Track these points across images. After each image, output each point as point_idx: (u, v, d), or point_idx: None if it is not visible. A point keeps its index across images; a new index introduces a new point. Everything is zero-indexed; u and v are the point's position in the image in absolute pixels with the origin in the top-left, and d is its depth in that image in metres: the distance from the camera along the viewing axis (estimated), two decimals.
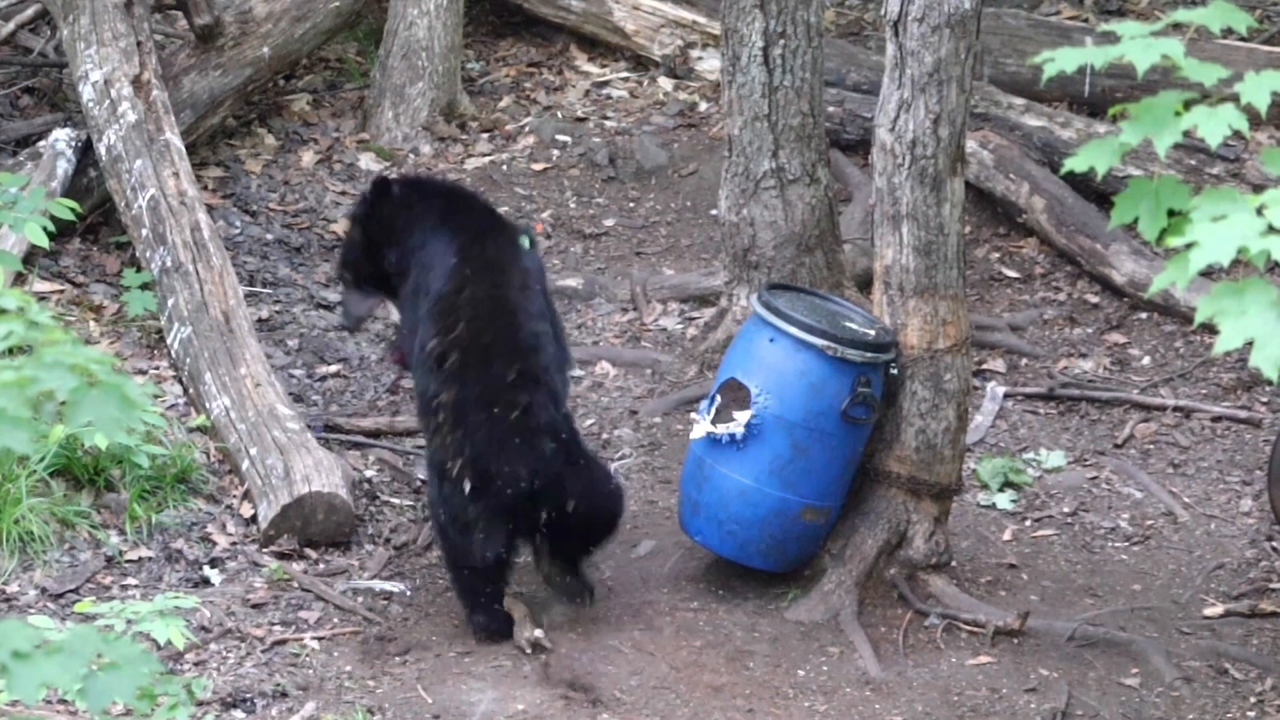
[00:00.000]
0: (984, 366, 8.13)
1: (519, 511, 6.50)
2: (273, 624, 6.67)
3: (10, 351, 3.34)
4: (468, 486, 6.47)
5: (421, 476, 7.46)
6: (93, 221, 8.62)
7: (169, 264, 7.91)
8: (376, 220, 6.90)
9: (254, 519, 7.10)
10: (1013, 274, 8.76)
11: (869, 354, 6.59)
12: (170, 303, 7.84)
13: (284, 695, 6.31)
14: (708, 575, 6.84)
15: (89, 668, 3.33)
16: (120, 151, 8.28)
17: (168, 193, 8.10)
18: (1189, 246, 3.45)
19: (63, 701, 6.05)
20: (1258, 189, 7.14)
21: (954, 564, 6.89)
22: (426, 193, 7.00)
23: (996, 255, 8.86)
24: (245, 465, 7.20)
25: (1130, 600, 6.87)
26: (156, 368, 7.85)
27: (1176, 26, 3.69)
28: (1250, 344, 3.37)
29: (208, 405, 7.46)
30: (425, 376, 6.59)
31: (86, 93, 8.52)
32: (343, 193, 9.26)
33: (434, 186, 7.28)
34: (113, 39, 8.62)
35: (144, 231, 8.07)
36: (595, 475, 6.66)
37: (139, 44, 8.67)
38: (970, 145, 8.68)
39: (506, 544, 6.55)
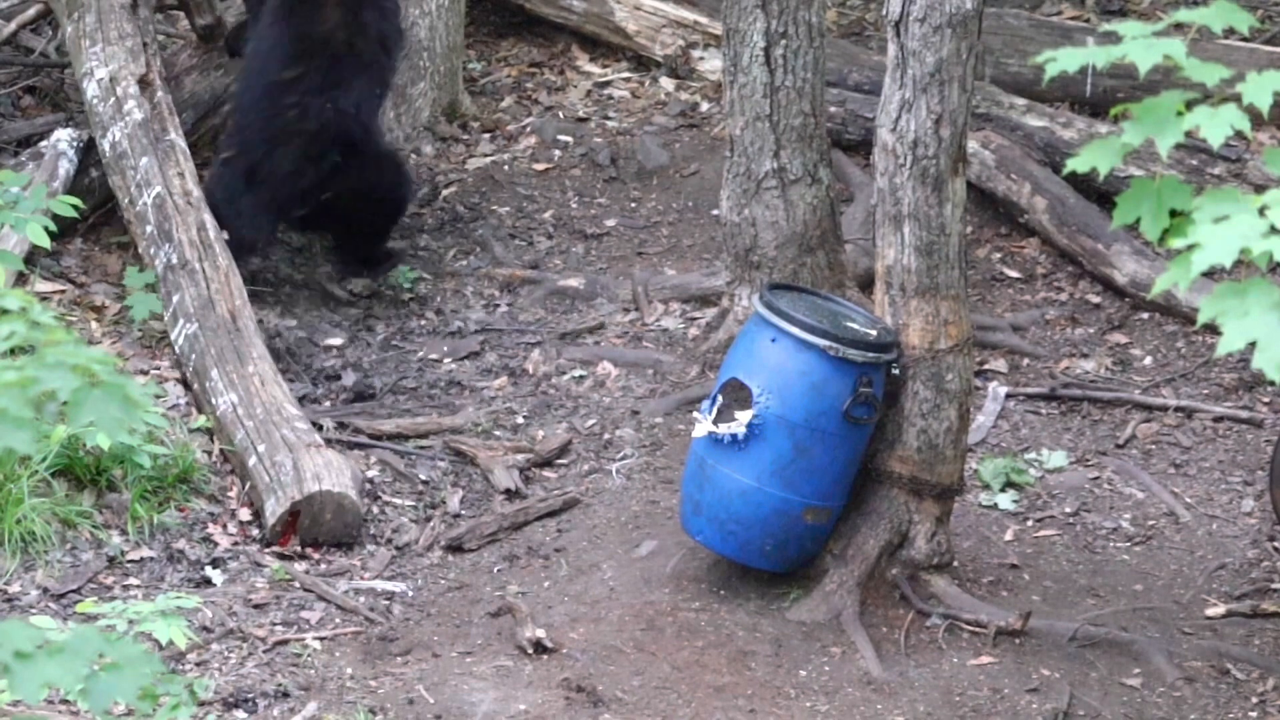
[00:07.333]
0: (986, 366, 8.12)
1: (288, 205, 7.78)
2: (274, 624, 6.67)
3: (12, 352, 3.34)
4: (240, 180, 7.79)
5: (423, 477, 7.46)
6: (94, 222, 8.61)
7: (174, 261, 7.89)
8: None
9: (258, 518, 7.09)
10: (1014, 274, 8.76)
11: (871, 354, 6.59)
12: (175, 299, 7.81)
13: (286, 695, 6.31)
14: (709, 575, 6.84)
15: (91, 668, 3.33)
16: (125, 148, 8.24)
17: (174, 191, 8.08)
18: (1191, 247, 3.44)
19: (65, 702, 6.05)
20: (1260, 189, 7.13)
21: (956, 564, 6.89)
22: None
23: (998, 255, 8.85)
24: (252, 462, 7.15)
25: (1132, 600, 6.86)
26: (158, 368, 7.84)
27: (1178, 26, 3.69)
28: (1253, 345, 3.36)
29: (214, 401, 7.42)
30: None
31: (90, 89, 8.49)
32: None
33: None
34: (119, 38, 8.59)
35: (148, 228, 8.04)
36: (379, 169, 7.92)
37: (144, 45, 8.65)
38: (972, 145, 8.68)
39: (270, 231, 8.00)
